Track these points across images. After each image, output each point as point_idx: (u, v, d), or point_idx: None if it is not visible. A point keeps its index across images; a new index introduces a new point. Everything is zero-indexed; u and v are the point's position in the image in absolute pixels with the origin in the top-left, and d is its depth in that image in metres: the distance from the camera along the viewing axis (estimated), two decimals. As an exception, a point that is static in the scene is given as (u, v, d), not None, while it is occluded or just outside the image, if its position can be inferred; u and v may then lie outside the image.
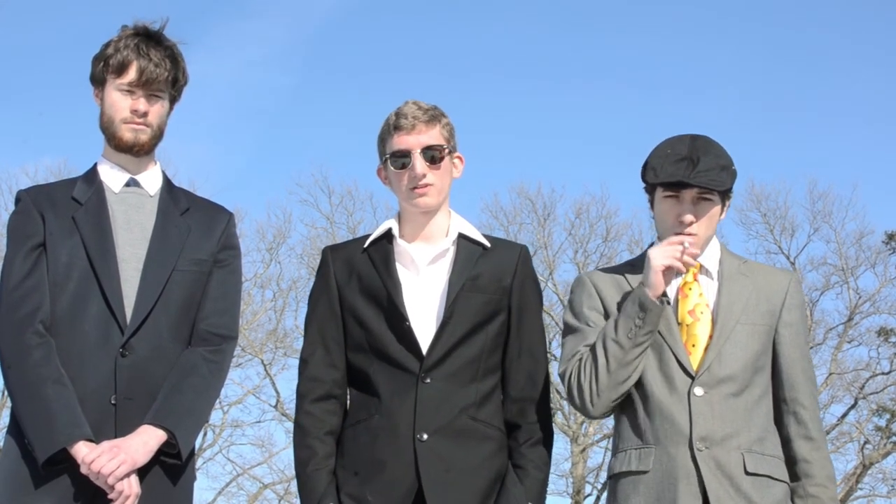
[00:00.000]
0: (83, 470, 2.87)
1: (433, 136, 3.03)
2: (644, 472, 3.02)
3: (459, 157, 3.13)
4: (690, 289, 3.15)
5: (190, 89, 3.29)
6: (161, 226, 3.15)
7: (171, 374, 3.04)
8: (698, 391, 3.03)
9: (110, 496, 2.88)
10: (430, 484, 2.85)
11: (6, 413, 20.96)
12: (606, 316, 3.17)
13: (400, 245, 3.06)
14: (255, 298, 26.04)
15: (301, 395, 3.04)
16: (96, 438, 2.91)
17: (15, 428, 2.98)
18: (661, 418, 3.04)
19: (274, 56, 38.53)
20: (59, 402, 2.90)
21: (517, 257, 3.10)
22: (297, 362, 3.16)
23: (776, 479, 3.04)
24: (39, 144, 38.11)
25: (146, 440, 2.94)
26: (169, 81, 3.17)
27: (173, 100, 3.25)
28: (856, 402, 24.39)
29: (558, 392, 24.78)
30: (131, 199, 3.18)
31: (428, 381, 2.93)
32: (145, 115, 3.12)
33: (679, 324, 3.11)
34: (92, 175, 3.20)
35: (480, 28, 37.19)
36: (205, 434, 24.56)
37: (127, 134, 3.13)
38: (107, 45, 3.15)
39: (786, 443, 3.12)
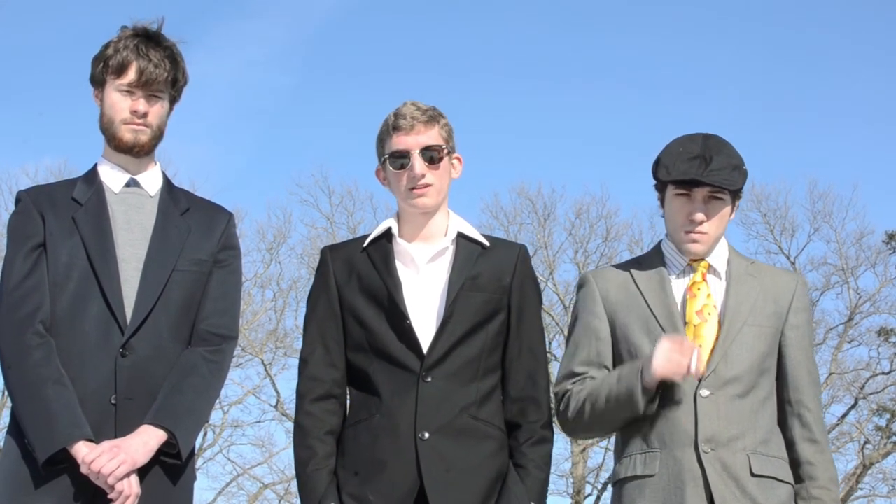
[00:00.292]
0: (83, 470, 2.87)
1: (432, 136, 3.03)
2: (650, 476, 3.02)
3: (458, 158, 3.13)
4: (699, 289, 3.15)
5: (190, 89, 3.29)
6: (161, 226, 3.15)
7: (171, 375, 3.05)
8: (704, 392, 3.03)
9: (110, 496, 2.88)
10: (432, 483, 2.85)
11: (6, 413, 20.96)
12: (609, 318, 3.18)
13: (399, 244, 3.06)
14: (256, 298, 26.07)
15: (301, 394, 3.04)
16: (96, 438, 2.91)
17: (15, 428, 2.98)
18: (667, 421, 3.04)
19: (274, 56, 38.56)
20: (60, 402, 2.90)
21: (516, 257, 3.10)
22: (297, 362, 3.16)
23: (781, 481, 3.04)
24: (39, 144, 38.15)
25: (146, 440, 2.94)
26: (169, 82, 3.17)
27: (173, 100, 3.25)
28: (856, 402, 24.39)
29: (558, 392, 24.81)
30: (131, 199, 3.18)
31: (429, 379, 2.93)
32: (145, 115, 3.13)
33: (686, 324, 3.11)
34: (92, 175, 3.21)
35: (480, 28, 37.22)
36: (205, 434, 24.56)
37: (127, 134, 3.13)
38: (106, 46, 3.15)
39: (790, 445, 3.12)
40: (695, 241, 3.13)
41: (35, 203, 3.11)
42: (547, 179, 41.38)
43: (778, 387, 3.15)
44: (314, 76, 38.26)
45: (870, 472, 23.95)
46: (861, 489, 24.24)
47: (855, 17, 34.99)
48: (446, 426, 2.91)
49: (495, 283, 3.04)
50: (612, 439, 3.33)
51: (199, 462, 23.66)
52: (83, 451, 2.87)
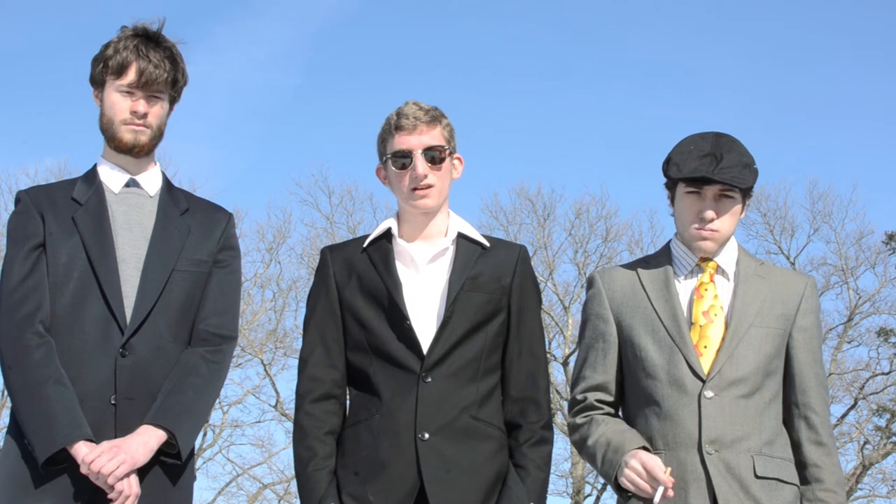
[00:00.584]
0: (83, 470, 2.87)
1: (434, 136, 3.03)
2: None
3: (459, 158, 3.13)
4: (706, 290, 3.14)
5: (191, 90, 3.30)
6: (161, 226, 3.15)
7: (170, 375, 3.05)
8: (708, 394, 3.03)
9: (110, 496, 2.88)
10: (432, 483, 2.85)
11: (6, 413, 20.96)
12: (615, 318, 3.19)
13: (399, 244, 3.06)
14: (255, 298, 26.07)
15: (301, 395, 3.04)
16: (96, 438, 2.91)
17: (15, 428, 2.98)
18: (671, 423, 3.04)
19: (275, 57, 38.53)
20: (60, 402, 2.90)
21: (516, 257, 3.10)
22: (296, 362, 3.16)
23: (786, 482, 3.04)
24: (39, 144, 38.08)
25: (146, 440, 2.94)
26: (168, 82, 3.17)
27: (173, 100, 3.25)
28: (856, 403, 24.39)
29: (558, 392, 24.81)
30: (131, 199, 3.18)
31: (429, 380, 2.93)
32: (145, 116, 3.13)
33: (692, 324, 3.11)
34: (92, 176, 3.21)
35: (481, 29, 37.21)
36: (204, 434, 24.56)
37: (127, 135, 3.14)
38: (106, 47, 3.15)
39: (796, 447, 3.12)
40: (705, 239, 3.13)
41: (35, 203, 3.11)
42: (547, 179, 41.45)
43: (785, 389, 3.15)
44: (315, 76, 38.28)
45: (869, 472, 23.96)
46: (861, 489, 24.24)
47: (855, 17, 35.01)
48: (446, 426, 2.91)
49: (495, 284, 3.04)
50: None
51: (198, 462, 23.67)
52: (83, 451, 2.87)
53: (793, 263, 24.93)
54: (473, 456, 2.91)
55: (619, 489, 3.05)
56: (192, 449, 3.11)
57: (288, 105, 38.05)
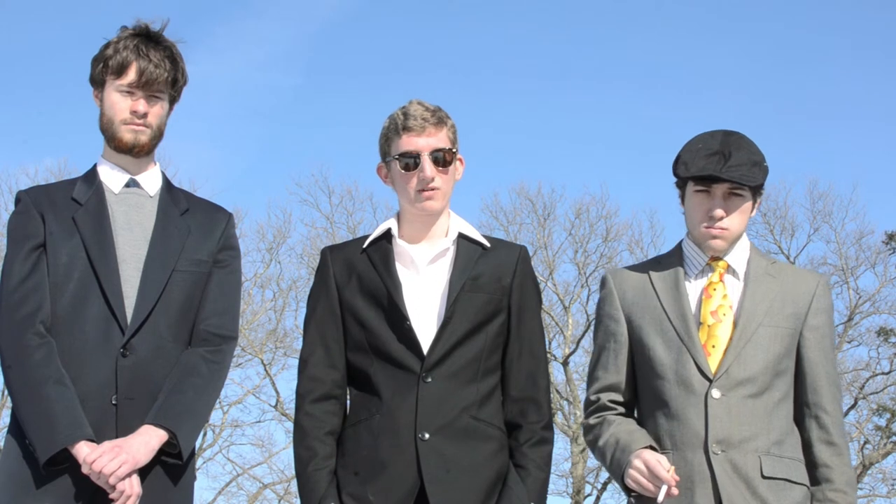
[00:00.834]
0: (84, 470, 2.87)
1: (441, 138, 3.02)
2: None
3: (460, 159, 3.13)
4: (715, 289, 3.14)
5: (192, 89, 3.30)
6: (161, 226, 3.15)
7: (171, 375, 3.05)
8: (716, 394, 3.02)
9: (111, 496, 2.88)
10: (432, 483, 2.85)
11: (6, 413, 20.95)
12: (626, 318, 3.19)
13: (399, 245, 3.06)
14: (255, 298, 26.07)
15: (301, 395, 3.03)
16: (97, 439, 2.91)
17: (16, 428, 2.98)
18: (678, 423, 3.04)
19: (276, 57, 38.53)
20: (61, 402, 2.90)
21: (517, 257, 3.10)
22: (297, 362, 3.16)
23: (794, 483, 3.02)
24: (39, 144, 38.09)
25: (147, 440, 2.94)
26: (168, 82, 3.17)
27: (173, 100, 3.25)
28: (856, 402, 24.39)
29: (558, 392, 24.81)
30: (131, 199, 3.18)
31: (429, 380, 2.93)
32: (145, 116, 3.13)
33: (701, 324, 3.10)
34: (91, 176, 3.21)
35: (481, 29, 37.21)
36: (205, 434, 24.56)
37: (127, 135, 3.13)
38: (106, 46, 3.15)
39: (807, 447, 3.11)
40: (714, 238, 3.12)
41: (35, 203, 3.11)
42: (547, 179, 41.47)
43: (796, 388, 3.14)
44: (315, 76, 38.28)
45: (869, 472, 23.96)
46: (861, 489, 24.23)
47: (855, 17, 35.01)
48: (446, 426, 2.91)
49: (495, 284, 3.04)
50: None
51: (198, 462, 23.66)
52: (84, 451, 2.87)
53: (793, 263, 24.92)
54: (473, 456, 2.91)
55: (627, 489, 3.05)
56: (193, 449, 3.11)
57: (288, 105, 38.08)
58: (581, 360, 25.85)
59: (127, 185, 3.19)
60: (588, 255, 26.30)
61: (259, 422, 26.71)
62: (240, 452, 33.34)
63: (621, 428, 3.12)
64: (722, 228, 3.11)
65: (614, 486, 24.62)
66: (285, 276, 26.63)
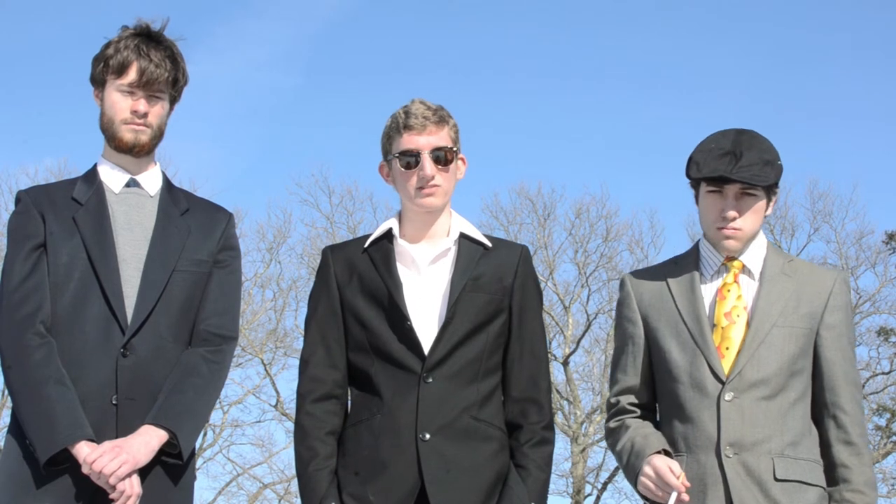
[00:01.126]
0: (84, 470, 2.87)
1: (442, 137, 3.02)
2: None
3: (462, 159, 3.12)
4: (729, 290, 3.13)
5: (192, 89, 3.29)
6: (161, 226, 3.15)
7: (171, 375, 3.04)
8: (728, 396, 3.01)
9: (112, 496, 2.88)
10: (433, 483, 2.85)
11: (7, 413, 20.95)
12: (643, 320, 3.20)
13: (401, 245, 3.06)
14: (256, 298, 26.06)
15: (302, 395, 3.03)
16: (98, 439, 2.91)
17: (16, 428, 2.98)
18: (692, 425, 3.03)
19: (276, 57, 38.52)
20: (61, 402, 2.90)
21: (518, 257, 3.09)
22: (297, 362, 3.16)
23: (809, 484, 3.00)
24: (39, 144, 38.09)
25: (147, 440, 2.94)
26: (169, 82, 3.16)
27: (173, 100, 3.25)
28: (855, 402, 24.38)
29: (558, 392, 24.81)
30: (131, 199, 3.18)
31: (430, 380, 2.93)
32: (145, 115, 3.12)
33: (714, 326, 3.10)
34: (92, 175, 3.20)
35: (481, 29, 37.20)
36: (205, 434, 24.56)
37: (127, 135, 3.13)
38: (107, 46, 3.15)
39: (825, 447, 3.09)
40: (728, 238, 3.11)
41: (35, 203, 3.11)
42: (547, 179, 41.37)
43: (814, 388, 3.11)
44: (315, 76, 38.27)
45: (869, 471, 23.95)
46: (861, 489, 24.22)
47: (855, 17, 35.01)
48: (447, 427, 2.91)
49: (497, 284, 3.03)
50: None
51: (198, 462, 23.67)
52: (85, 451, 2.87)
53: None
54: (474, 456, 2.91)
55: (643, 495, 3.06)
56: (193, 449, 3.11)
57: (288, 105, 38.07)
58: (581, 361, 25.90)
59: (127, 185, 3.19)
60: (588, 254, 26.32)
61: (259, 422, 26.71)
62: (240, 452, 33.34)
63: (637, 432, 3.12)
64: (735, 229, 3.09)
65: (614, 486, 24.64)
66: (285, 276, 26.65)
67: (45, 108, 36.72)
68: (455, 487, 2.86)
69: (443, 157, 3.01)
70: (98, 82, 3.17)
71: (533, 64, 36.77)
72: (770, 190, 3.14)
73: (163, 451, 2.98)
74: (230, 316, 3.21)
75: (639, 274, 3.31)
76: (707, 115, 32.74)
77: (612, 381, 3.29)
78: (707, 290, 3.16)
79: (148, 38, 3.14)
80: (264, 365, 25.40)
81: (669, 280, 3.20)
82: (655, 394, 3.22)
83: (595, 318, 25.71)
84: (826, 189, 28.43)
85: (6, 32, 35.38)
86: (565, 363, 25.16)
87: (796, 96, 35.64)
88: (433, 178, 2.99)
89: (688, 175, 3.16)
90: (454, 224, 3.09)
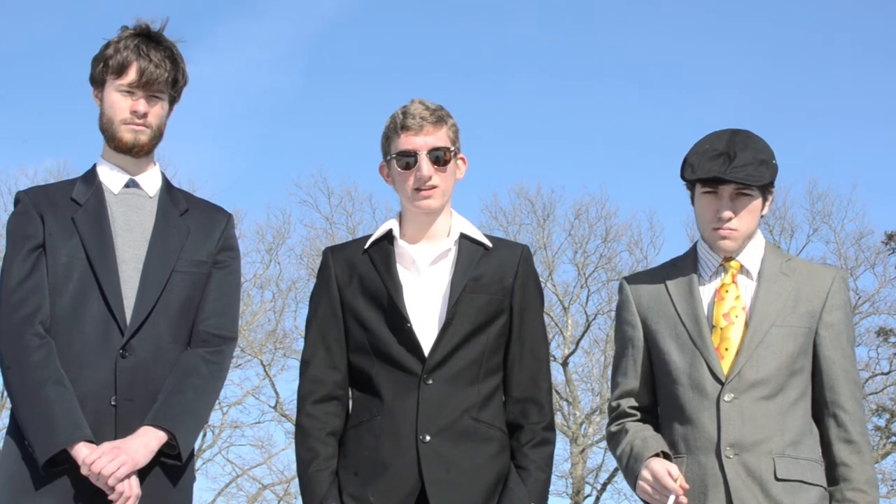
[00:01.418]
0: (83, 471, 2.87)
1: (440, 137, 3.01)
2: None
3: (462, 159, 3.12)
4: (727, 291, 3.13)
5: (192, 90, 3.29)
6: (161, 227, 3.15)
7: (170, 376, 3.04)
8: (727, 397, 3.01)
9: (111, 497, 2.88)
10: (433, 485, 2.85)
11: (6, 414, 20.94)
12: (642, 323, 3.20)
13: (401, 246, 3.05)
14: (255, 299, 26.05)
15: (302, 396, 3.03)
16: (96, 440, 2.91)
17: (15, 429, 2.97)
18: (692, 427, 3.04)
19: (276, 57, 38.52)
20: (60, 403, 2.90)
21: (519, 257, 3.09)
22: (296, 363, 3.19)
23: (810, 484, 3.00)
24: (39, 145, 38.09)
25: (146, 441, 2.93)
26: (169, 82, 3.16)
27: (173, 101, 3.24)
28: (855, 402, 24.38)
29: (557, 392, 24.80)
30: (131, 200, 3.17)
31: (430, 382, 2.92)
32: (145, 115, 3.12)
33: (713, 327, 3.09)
34: (91, 176, 3.20)
35: (481, 29, 37.21)
36: (204, 435, 24.54)
37: (127, 135, 3.13)
38: (106, 46, 3.15)
39: (826, 446, 3.08)
40: (724, 238, 3.11)
41: (34, 204, 3.11)
42: (546, 180, 41.35)
43: (814, 387, 3.11)
44: (315, 76, 38.28)
45: (869, 472, 23.95)
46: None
47: (855, 17, 35.02)
48: (447, 428, 2.90)
49: (497, 285, 3.03)
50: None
51: (198, 463, 23.66)
52: (84, 453, 2.87)
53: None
54: (474, 458, 2.91)
55: (642, 498, 3.05)
56: (192, 450, 3.11)
57: (288, 105, 38.08)
58: (580, 361, 25.90)
59: (126, 186, 3.18)
60: (587, 255, 26.33)
61: (258, 423, 26.66)
62: (239, 453, 33.34)
63: (637, 435, 3.12)
64: (731, 229, 3.09)
65: (613, 487, 24.65)
66: (285, 277, 26.65)
67: (44, 109, 36.76)
68: (455, 489, 2.86)
69: (441, 158, 3.00)
70: (98, 82, 3.17)
71: (533, 64, 36.80)
72: (765, 189, 3.14)
73: (162, 452, 2.98)
74: (229, 317, 3.21)
75: (637, 277, 3.32)
76: (707, 115, 32.76)
77: (613, 384, 3.29)
78: (705, 292, 3.16)
79: (148, 38, 3.14)
80: (263, 366, 25.39)
81: (668, 282, 3.20)
82: (656, 396, 3.22)
83: (594, 318, 25.74)
84: (825, 189, 28.50)
85: (6, 32, 35.39)
86: (564, 364, 25.16)
87: (796, 96, 35.69)
88: (430, 178, 2.98)
89: (682, 177, 3.16)
90: (454, 224, 3.09)
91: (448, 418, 2.91)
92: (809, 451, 3.05)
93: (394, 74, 35.99)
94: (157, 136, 3.19)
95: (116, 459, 2.86)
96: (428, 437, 2.88)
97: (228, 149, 39.19)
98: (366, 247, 3.08)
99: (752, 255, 3.18)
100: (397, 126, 3.01)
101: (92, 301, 3.01)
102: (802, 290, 3.12)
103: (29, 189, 3.21)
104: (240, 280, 3.34)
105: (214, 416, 24.87)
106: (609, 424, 3.27)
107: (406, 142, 2.99)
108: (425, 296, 3.00)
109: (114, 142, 3.15)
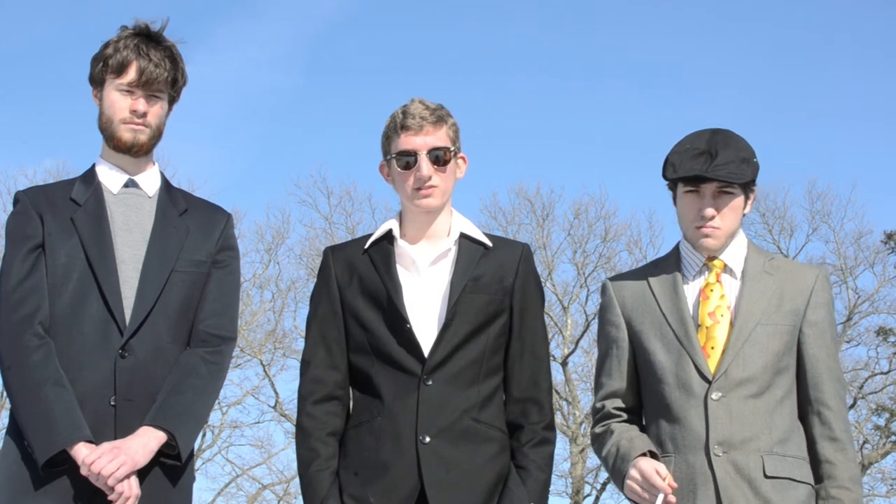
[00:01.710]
0: (83, 471, 2.86)
1: (440, 137, 3.01)
2: None
3: (463, 158, 3.12)
4: (712, 290, 3.13)
5: (192, 90, 3.29)
6: (160, 227, 3.14)
7: (170, 376, 3.04)
8: (715, 395, 3.02)
9: (110, 497, 2.87)
10: (433, 485, 2.84)
11: (6, 414, 20.93)
12: (627, 324, 3.20)
13: (401, 246, 3.05)
14: (254, 299, 26.04)
15: (303, 396, 3.03)
16: (96, 440, 2.90)
17: (14, 429, 2.97)
18: (680, 426, 3.04)
19: (276, 57, 38.52)
20: (59, 403, 2.89)
21: (519, 257, 3.09)
22: (296, 363, 3.19)
23: (798, 481, 3.01)
24: (39, 145, 38.06)
25: (146, 441, 2.93)
26: (168, 82, 3.16)
27: (172, 100, 3.24)
28: (855, 402, 24.39)
29: (557, 392, 24.79)
30: (130, 199, 3.17)
31: (430, 383, 2.92)
32: (144, 115, 3.12)
33: (699, 326, 3.10)
34: (90, 176, 3.20)
35: (481, 29, 37.21)
36: (204, 435, 24.53)
37: (126, 134, 3.13)
38: (106, 46, 3.14)
39: (811, 444, 3.09)
40: (707, 236, 3.12)
41: (33, 204, 3.10)
42: (546, 180, 41.41)
43: (799, 385, 3.12)
44: (315, 76, 38.28)
45: (868, 471, 23.96)
46: (860, 489, 24.21)
47: (855, 17, 35.02)
48: (447, 429, 2.90)
49: (497, 285, 3.03)
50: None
51: (197, 463, 23.65)
52: (83, 453, 2.86)
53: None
54: (474, 458, 2.91)
55: (630, 498, 3.05)
56: (192, 450, 3.10)
57: (288, 105, 38.08)
58: (580, 361, 25.89)
59: (125, 186, 3.18)
60: (587, 255, 26.34)
61: (258, 423, 26.63)
62: (239, 453, 33.33)
63: (622, 436, 3.12)
64: (714, 227, 3.11)
65: (613, 487, 24.62)
66: (284, 277, 26.63)
67: (44, 109, 36.75)
68: (455, 489, 2.86)
69: (441, 158, 3.00)
70: (97, 82, 3.17)
71: (533, 64, 36.80)
72: (747, 187, 3.16)
73: (161, 453, 2.98)
74: (229, 316, 3.20)
75: (620, 278, 3.32)
76: (707, 115, 32.73)
77: (597, 385, 3.28)
78: (689, 291, 3.16)
79: (147, 37, 3.14)
80: (263, 366, 25.37)
81: (651, 282, 3.20)
82: (641, 397, 3.22)
83: (594, 318, 25.70)
84: (825, 189, 28.54)
85: (6, 32, 35.37)
86: (564, 363, 25.16)
87: (795, 96, 35.69)
88: (430, 178, 2.98)
89: (664, 176, 3.17)
90: (455, 224, 3.09)
91: (448, 419, 2.90)
92: (797, 448, 3.06)
93: (394, 74, 36.01)
94: (157, 135, 3.18)
95: (116, 460, 2.85)
96: (428, 438, 2.88)
97: (228, 149, 39.19)
98: (366, 247, 3.08)
99: (736, 254, 3.19)
100: (397, 126, 3.00)
101: (91, 301, 3.01)
102: (786, 289, 3.14)
103: (28, 189, 3.21)
104: (239, 280, 3.34)
105: (214, 416, 24.87)
106: (594, 426, 3.27)
107: (406, 141, 2.99)
108: (425, 296, 3.00)
109: (113, 141, 3.15)
